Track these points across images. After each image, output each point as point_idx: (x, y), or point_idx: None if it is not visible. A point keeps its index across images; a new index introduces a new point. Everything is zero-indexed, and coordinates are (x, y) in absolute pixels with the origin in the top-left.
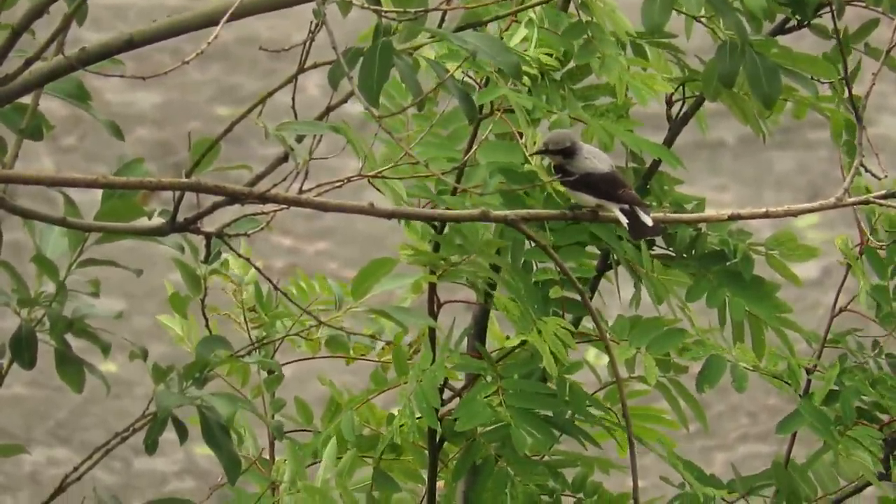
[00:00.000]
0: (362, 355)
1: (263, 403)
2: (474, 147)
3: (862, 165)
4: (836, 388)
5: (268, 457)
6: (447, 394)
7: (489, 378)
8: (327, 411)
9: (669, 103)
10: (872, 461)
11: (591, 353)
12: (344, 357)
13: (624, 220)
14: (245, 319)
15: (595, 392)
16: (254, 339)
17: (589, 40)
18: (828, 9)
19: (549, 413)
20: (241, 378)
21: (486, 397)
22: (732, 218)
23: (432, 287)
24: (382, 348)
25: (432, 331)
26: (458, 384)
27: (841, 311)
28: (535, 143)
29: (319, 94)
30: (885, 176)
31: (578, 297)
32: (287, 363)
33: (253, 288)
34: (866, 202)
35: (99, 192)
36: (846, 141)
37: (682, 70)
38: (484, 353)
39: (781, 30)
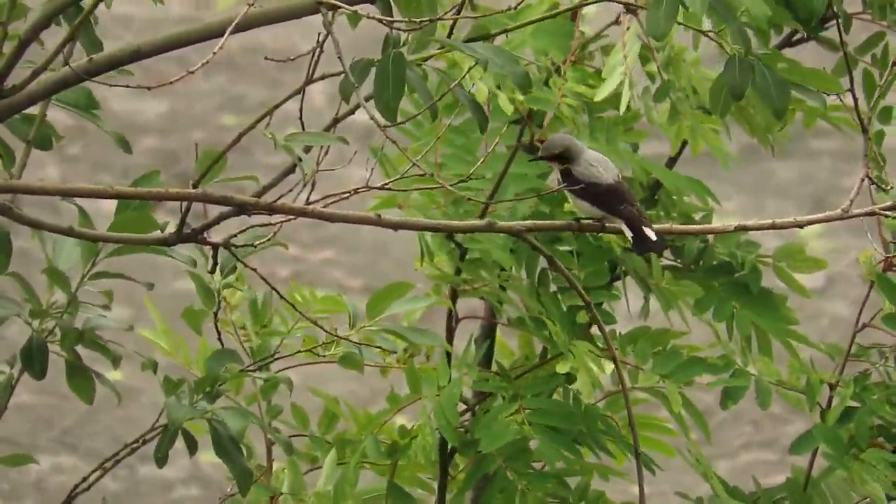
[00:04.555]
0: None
1: (260, 410)
2: (485, 158)
3: (868, 177)
4: (854, 404)
5: (266, 464)
6: (459, 407)
7: (508, 396)
8: (324, 418)
9: None
10: (883, 485)
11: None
12: (324, 362)
13: (629, 234)
14: (237, 336)
15: (598, 401)
16: (249, 353)
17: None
18: (834, 21)
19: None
20: (234, 388)
21: (507, 416)
22: (738, 230)
23: (452, 303)
24: (387, 356)
25: (449, 346)
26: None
27: (864, 326)
28: None
29: (325, 102)
30: (893, 187)
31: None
32: (288, 368)
33: (248, 304)
34: (872, 213)
35: (105, 202)
36: (881, 154)
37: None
38: (503, 370)
39: (788, 42)
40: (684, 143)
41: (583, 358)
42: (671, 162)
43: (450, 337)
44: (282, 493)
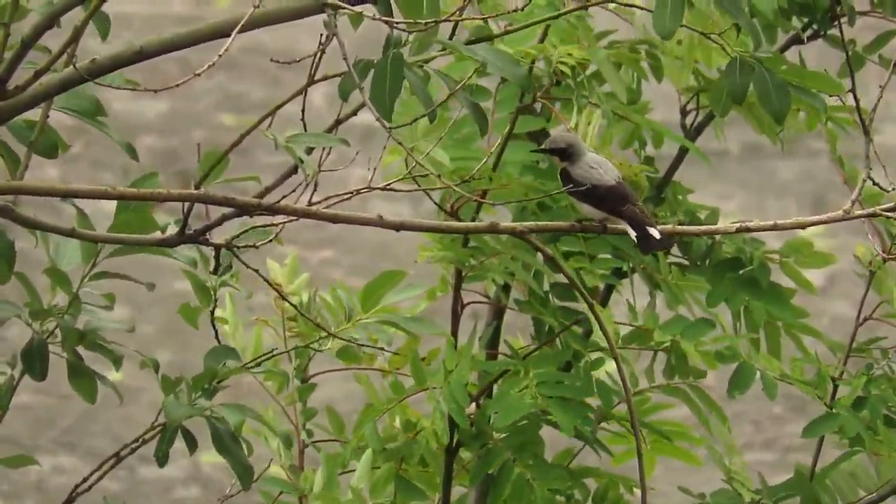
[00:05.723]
0: (387, 372)
1: (295, 412)
2: (495, 146)
3: (869, 178)
4: (862, 395)
5: (298, 465)
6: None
7: (518, 372)
8: (359, 423)
9: (684, 113)
10: None
11: (612, 366)
12: (362, 368)
13: (633, 234)
14: (284, 328)
15: (615, 405)
16: (288, 349)
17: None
18: (842, 19)
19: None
20: (277, 385)
21: (519, 391)
22: (741, 231)
23: (457, 287)
24: (392, 356)
25: (455, 333)
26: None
27: (866, 319)
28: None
29: (325, 104)
30: (893, 188)
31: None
32: (319, 372)
33: (297, 298)
34: (874, 214)
35: (106, 203)
36: (839, 156)
37: (697, 80)
38: (512, 349)
39: (796, 40)
40: (691, 141)
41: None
42: (677, 161)
43: (455, 322)
44: (310, 492)
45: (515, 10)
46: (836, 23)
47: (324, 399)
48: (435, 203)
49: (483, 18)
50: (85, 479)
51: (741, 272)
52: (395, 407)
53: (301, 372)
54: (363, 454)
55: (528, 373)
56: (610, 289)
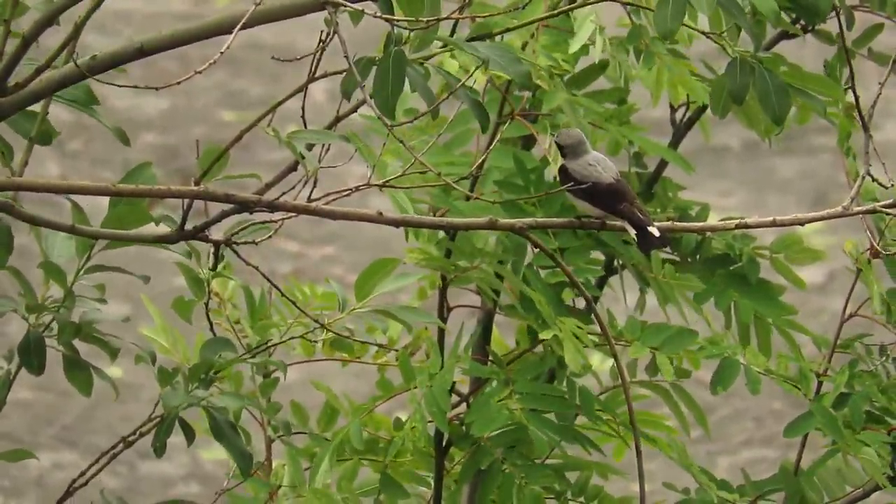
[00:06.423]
0: (358, 357)
1: (259, 408)
2: (487, 152)
3: (869, 174)
4: (845, 391)
5: (265, 461)
6: (453, 398)
7: (501, 381)
8: (323, 415)
9: (673, 108)
10: (881, 464)
11: (596, 359)
12: (340, 360)
13: (632, 232)
14: (234, 331)
15: (598, 395)
16: (245, 347)
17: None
18: (833, 14)
19: (555, 417)
20: (234, 384)
21: (499, 401)
22: (739, 227)
23: (443, 291)
24: (377, 351)
25: (440, 335)
26: (462, 388)
27: (851, 316)
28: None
29: (326, 99)
30: (893, 185)
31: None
32: (288, 365)
33: (238, 300)
34: (873, 211)
35: (103, 198)
36: (848, 147)
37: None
38: (495, 356)
39: (785, 35)
40: (681, 137)
41: (569, 331)
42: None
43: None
44: (280, 487)
45: (515, 9)
46: (824, 18)
47: (320, 397)
48: (412, 205)
49: (484, 17)
50: (82, 474)
51: (731, 268)
52: (370, 412)
53: (262, 367)
54: (328, 448)
55: (510, 383)
56: (600, 286)
